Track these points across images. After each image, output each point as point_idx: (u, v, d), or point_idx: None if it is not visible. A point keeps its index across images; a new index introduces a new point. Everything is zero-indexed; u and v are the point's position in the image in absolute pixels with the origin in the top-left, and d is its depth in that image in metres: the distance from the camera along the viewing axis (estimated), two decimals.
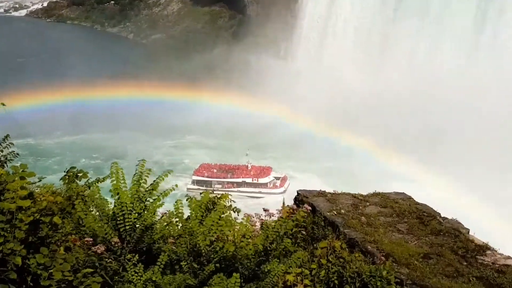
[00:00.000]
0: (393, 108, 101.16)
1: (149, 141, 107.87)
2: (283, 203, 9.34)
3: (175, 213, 8.19)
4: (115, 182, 7.92)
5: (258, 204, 73.79)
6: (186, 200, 8.80)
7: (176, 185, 8.43)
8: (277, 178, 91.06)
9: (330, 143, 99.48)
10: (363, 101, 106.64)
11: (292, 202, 10.31)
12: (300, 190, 10.69)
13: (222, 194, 9.20)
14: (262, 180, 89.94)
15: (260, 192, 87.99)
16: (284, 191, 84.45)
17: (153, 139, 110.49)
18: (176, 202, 8.24)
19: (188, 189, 78.55)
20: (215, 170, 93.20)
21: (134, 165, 8.41)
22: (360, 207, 9.87)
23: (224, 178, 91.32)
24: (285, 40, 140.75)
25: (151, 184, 8.31)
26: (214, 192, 9.26)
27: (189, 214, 8.19)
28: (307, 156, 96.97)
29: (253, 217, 8.19)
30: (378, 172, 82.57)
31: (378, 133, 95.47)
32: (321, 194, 10.48)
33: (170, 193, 8.36)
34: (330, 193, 10.55)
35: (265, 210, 8.28)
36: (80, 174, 8.84)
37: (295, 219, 7.77)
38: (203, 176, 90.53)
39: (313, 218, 9.17)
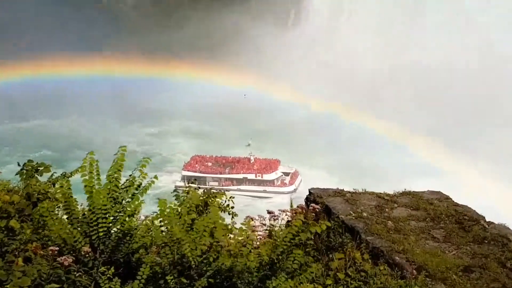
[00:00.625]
0: (417, 91, 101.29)
1: (120, 128, 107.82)
2: (291, 205, 9.38)
3: (159, 215, 8.20)
4: (87, 177, 7.94)
5: (259, 207, 74.06)
6: (173, 197, 8.83)
7: (156, 177, 8.39)
8: (286, 174, 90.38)
9: (346, 129, 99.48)
10: (385, 82, 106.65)
11: (303, 202, 10.35)
12: (312, 188, 10.72)
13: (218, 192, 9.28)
14: (267, 177, 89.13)
15: (265, 191, 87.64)
16: (295, 190, 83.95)
17: (125, 125, 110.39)
18: (159, 201, 8.23)
19: (176, 186, 78.29)
20: (209, 164, 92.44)
21: (102, 157, 8.37)
22: (386, 209, 9.91)
23: (221, 173, 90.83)
24: (295, 3, 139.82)
25: (127, 180, 8.31)
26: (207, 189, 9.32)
27: (168, 215, 8.18)
28: (319, 146, 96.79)
29: (256, 221, 8.23)
30: (405, 165, 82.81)
31: (402, 119, 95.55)
32: (338, 193, 10.51)
33: (150, 187, 8.33)
34: (349, 192, 10.59)
35: (269, 212, 8.31)
36: (41, 168, 8.85)
37: (314, 230, 7.78)
38: (195, 171, 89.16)
39: (328, 222, 9.21)
